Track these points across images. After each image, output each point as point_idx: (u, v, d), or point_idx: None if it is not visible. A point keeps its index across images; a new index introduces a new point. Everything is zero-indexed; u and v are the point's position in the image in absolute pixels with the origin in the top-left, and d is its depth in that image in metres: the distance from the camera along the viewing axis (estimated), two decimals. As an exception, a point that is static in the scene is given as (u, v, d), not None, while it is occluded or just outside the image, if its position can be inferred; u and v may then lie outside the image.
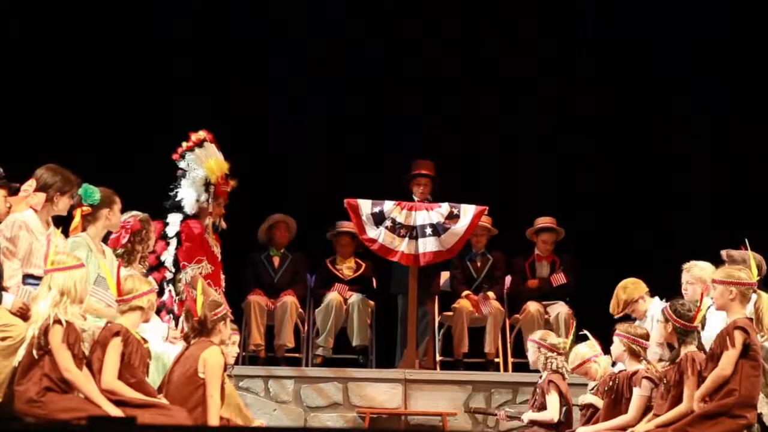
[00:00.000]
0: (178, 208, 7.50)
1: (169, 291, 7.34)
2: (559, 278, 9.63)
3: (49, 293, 5.86)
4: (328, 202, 9.49)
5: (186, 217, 7.48)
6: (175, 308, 7.27)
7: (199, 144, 7.53)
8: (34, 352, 5.77)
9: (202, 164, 7.49)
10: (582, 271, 9.74)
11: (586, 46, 10.77)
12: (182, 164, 7.55)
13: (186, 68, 10.35)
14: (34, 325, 5.82)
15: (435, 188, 9.49)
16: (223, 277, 7.66)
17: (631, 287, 7.59)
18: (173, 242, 7.42)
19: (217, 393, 6.19)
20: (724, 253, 7.14)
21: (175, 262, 7.37)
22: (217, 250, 7.61)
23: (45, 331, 5.77)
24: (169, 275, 7.38)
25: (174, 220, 7.46)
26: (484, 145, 10.71)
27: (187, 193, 7.48)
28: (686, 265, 7.31)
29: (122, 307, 6.15)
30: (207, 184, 7.52)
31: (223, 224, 7.71)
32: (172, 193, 7.54)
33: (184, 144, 7.56)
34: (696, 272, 7.24)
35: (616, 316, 7.53)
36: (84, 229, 6.88)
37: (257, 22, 10.61)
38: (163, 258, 7.40)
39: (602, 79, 10.66)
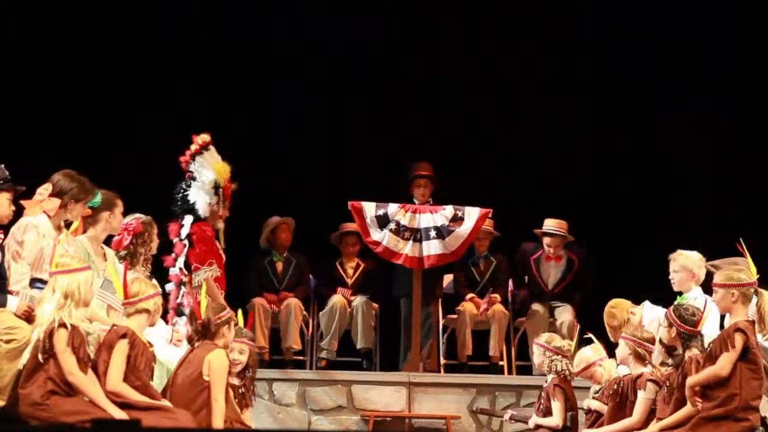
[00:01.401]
0: (189, 211, 7.46)
1: (184, 293, 7.30)
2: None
3: (54, 296, 5.84)
4: (329, 203, 9.49)
5: (196, 219, 7.44)
6: (187, 311, 7.22)
7: (205, 147, 7.50)
8: (39, 355, 5.75)
9: (211, 167, 7.46)
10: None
11: (586, 46, 10.77)
12: (191, 167, 7.51)
13: (186, 68, 10.33)
14: (38, 329, 5.80)
15: (435, 189, 9.48)
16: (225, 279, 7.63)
17: (616, 311, 7.54)
18: (186, 244, 7.37)
19: (222, 396, 6.19)
20: (709, 266, 7.17)
21: (186, 264, 7.33)
22: (222, 253, 7.58)
23: (50, 335, 5.75)
24: (184, 278, 7.33)
25: (188, 222, 7.42)
26: (486, 146, 10.70)
27: (199, 197, 7.44)
28: (672, 255, 7.41)
29: (128, 309, 6.13)
30: (216, 187, 7.49)
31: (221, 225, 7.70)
32: (179, 196, 7.50)
33: (192, 147, 7.52)
34: (681, 261, 7.34)
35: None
36: (84, 232, 6.86)
37: (257, 22, 10.60)
38: (178, 260, 7.35)
39: (602, 79, 10.66)
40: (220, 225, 7.57)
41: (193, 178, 7.48)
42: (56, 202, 6.52)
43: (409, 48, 10.71)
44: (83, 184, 6.61)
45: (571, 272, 9.61)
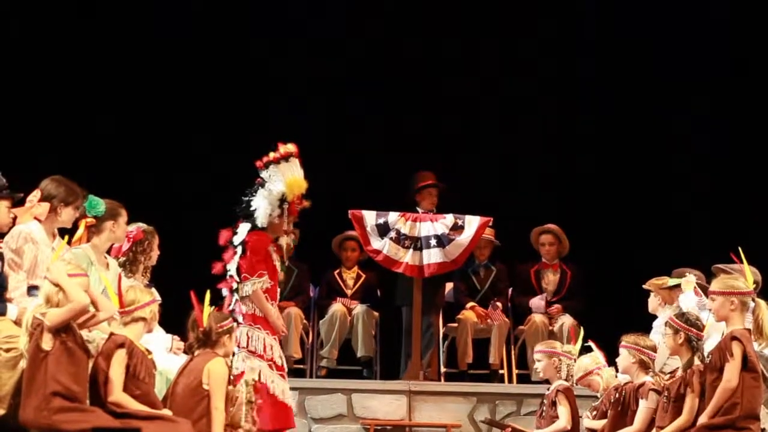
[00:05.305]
0: (248, 216, 7.38)
1: (236, 300, 7.24)
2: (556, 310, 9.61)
3: (37, 300, 5.85)
4: (329, 211, 9.49)
5: (254, 227, 7.36)
6: (240, 318, 7.14)
7: (286, 158, 7.40)
8: (34, 358, 5.71)
9: (283, 179, 7.36)
10: (587, 283, 9.74)
11: (586, 46, 10.78)
12: (264, 174, 7.40)
13: (184, 69, 10.34)
14: (24, 337, 5.78)
15: (440, 199, 9.47)
16: (278, 290, 7.54)
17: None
18: (238, 251, 7.28)
19: (222, 404, 6.18)
20: (715, 268, 7.20)
21: (238, 272, 7.25)
22: (278, 265, 7.47)
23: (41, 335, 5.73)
24: (234, 285, 7.25)
25: (243, 230, 7.33)
26: (487, 155, 10.70)
27: (262, 205, 7.32)
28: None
29: (125, 318, 6.12)
30: (282, 200, 7.40)
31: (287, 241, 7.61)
32: (244, 200, 7.39)
33: (271, 154, 7.42)
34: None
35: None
36: (88, 241, 6.87)
37: (257, 22, 10.61)
38: (229, 267, 7.28)
39: (602, 79, 10.66)
40: (285, 240, 7.48)
41: (262, 185, 7.38)
42: (45, 206, 6.52)
43: (411, 53, 10.70)
44: (71, 187, 6.63)
45: (566, 283, 9.64)
